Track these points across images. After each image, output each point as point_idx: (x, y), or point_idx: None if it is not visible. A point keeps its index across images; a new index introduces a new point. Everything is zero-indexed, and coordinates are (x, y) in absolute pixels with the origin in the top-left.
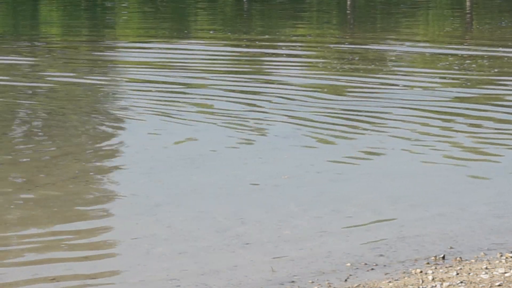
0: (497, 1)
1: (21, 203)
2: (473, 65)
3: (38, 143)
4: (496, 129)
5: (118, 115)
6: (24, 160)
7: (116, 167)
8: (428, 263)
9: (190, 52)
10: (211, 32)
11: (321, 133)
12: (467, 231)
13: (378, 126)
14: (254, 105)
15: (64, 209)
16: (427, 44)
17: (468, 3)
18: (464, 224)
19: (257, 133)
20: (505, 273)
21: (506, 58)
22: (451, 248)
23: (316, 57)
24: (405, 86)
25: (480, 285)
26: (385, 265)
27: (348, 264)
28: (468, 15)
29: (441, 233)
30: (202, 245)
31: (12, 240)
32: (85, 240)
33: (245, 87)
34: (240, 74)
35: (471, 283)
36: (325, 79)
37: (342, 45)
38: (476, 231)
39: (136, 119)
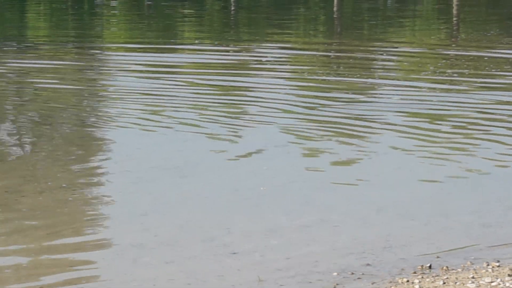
0: (483, 9)
1: (7, 212)
2: (460, 71)
3: (24, 151)
4: (482, 137)
5: (106, 123)
6: (11, 168)
7: (103, 176)
8: (414, 272)
9: (177, 60)
10: (196, 41)
11: (308, 142)
12: (453, 240)
13: (365, 135)
14: (241, 114)
15: (51, 218)
16: (414, 50)
17: (454, 12)
18: (450, 233)
19: (244, 142)
20: (491, 282)
21: (492, 65)
22: (437, 257)
23: (303, 65)
24: (391, 94)
25: None
26: (372, 275)
27: (335, 273)
28: (455, 23)
29: (427, 242)
30: (189, 255)
31: None
32: (71, 248)
33: (231, 96)
34: (227, 82)
35: None
36: (312, 87)
37: (329, 53)
38: (462, 240)
39: (123, 127)
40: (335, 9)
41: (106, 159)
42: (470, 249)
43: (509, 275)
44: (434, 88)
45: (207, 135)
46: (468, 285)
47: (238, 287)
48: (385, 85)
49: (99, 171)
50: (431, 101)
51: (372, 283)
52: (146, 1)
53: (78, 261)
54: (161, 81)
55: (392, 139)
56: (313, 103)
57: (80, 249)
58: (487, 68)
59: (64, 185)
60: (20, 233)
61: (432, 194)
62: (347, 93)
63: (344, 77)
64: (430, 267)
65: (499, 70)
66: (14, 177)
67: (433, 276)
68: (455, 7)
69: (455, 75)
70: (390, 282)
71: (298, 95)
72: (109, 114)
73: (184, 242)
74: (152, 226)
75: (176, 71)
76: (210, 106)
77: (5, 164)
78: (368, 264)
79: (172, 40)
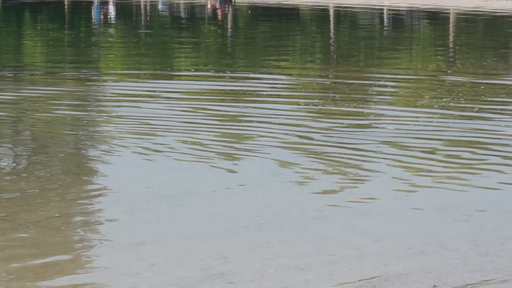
0: (479, 37)
1: (3, 241)
2: (457, 99)
3: (20, 180)
4: (478, 166)
5: (102, 151)
6: (6, 197)
7: (99, 205)
8: None
9: (174, 88)
10: (192, 70)
11: (304, 171)
12: (450, 269)
13: (361, 164)
14: (237, 142)
15: (46, 246)
16: (411, 78)
17: (451, 40)
18: (447, 262)
19: (240, 171)
20: None
21: (488, 94)
22: (434, 286)
23: (300, 93)
24: (388, 122)
25: None
26: None
27: None
28: (451, 51)
29: (424, 271)
30: (186, 284)
31: None
32: (67, 278)
33: (228, 124)
34: (223, 110)
35: None
36: (308, 116)
37: (326, 81)
38: (459, 269)
39: (119, 155)
40: (331, 36)
41: (102, 188)
42: (466, 277)
43: None
44: (430, 116)
45: (204, 164)
46: None
47: None
48: (382, 113)
49: (95, 199)
50: (428, 129)
51: None
52: (142, 29)
53: None
54: (157, 109)
55: (388, 168)
56: (310, 132)
57: (77, 278)
58: (483, 96)
59: (60, 214)
60: (16, 261)
61: (428, 223)
62: (343, 121)
63: (341, 105)
64: None
65: (495, 97)
66: (10, 205)
67: None
68: (451, 35)
69: (451, 103)
70: None
71: (294, 124)
72: (106, 142)
73: (180, 271)
74: (149, 255)
75: (172, 99)
76: (206, 134)
77: (1, 192)
78: None
79: (169, 68)
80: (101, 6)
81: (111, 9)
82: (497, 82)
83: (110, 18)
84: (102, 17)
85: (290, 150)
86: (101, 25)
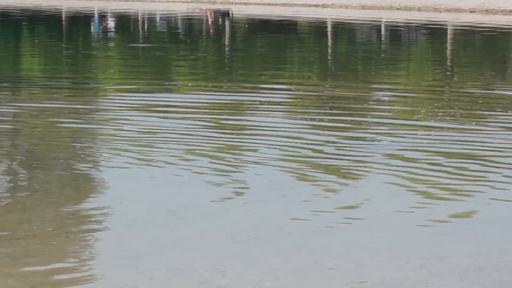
0: (477, 52)
1: (2, 256)
2: (455, 112)
3: (17, 194)
4: (478, 180)
5: (99, 165)
6: (4, 211)
7: (97, 219)
8: None
9: (172, 101)
10: (189, 84)
11: (302, 184)
12: (448, 283)
13: (359, 177)
14: (236, 156)
15: (44, 261)
16: (408, 90)
17: (449, 54)
18: (445, 276)
19: (239, 184)
20: None
21: (487, 106)
22: None
23: (297, 106)
24: (386, 135)
25: None
26: None
27: None
28: (449, 65)
29: (422, 284)
30: None
31: None
32: None
33: (226, 137)
34: (222, 123)
35: None
36: (306, 128)
37: (323, 94)
38: (457, 283)
39: (117, 169)
40: (329, 50)
41: (99, 202)
42: None
43: None
44: (429, 129)
45: (202, 178)
46: None
47: None
48: (380, 126)
49: (93, 213)
50: (427, 142)
51: None
52: (140, 43)
53: None
54: (156, 123)
55: (387, 181)
56: (307, 144)
57: None
58: (482, 109)
59: (57, 228)
60: (13, 277)
61: (427, 237)
62: (342, 134)
63: (339, 118)
64: None
65: (493, 110)
66: (7, 220)
67: None
68: (449, 49)
69: (449, 116)
70: None
71: (292, 137)
72: (103, 156)
73: (178, 285)
74: (147, 269)
75: (171, 112)
76: (205, 148)
77: (0, 207)
78: None
79: (167, 81)
80: (102, 19)
81: (111, 23)
82: (496, 93)
83: (110, 31)
84: (101, 31)
85: (289, 163)
86: (100, 38)
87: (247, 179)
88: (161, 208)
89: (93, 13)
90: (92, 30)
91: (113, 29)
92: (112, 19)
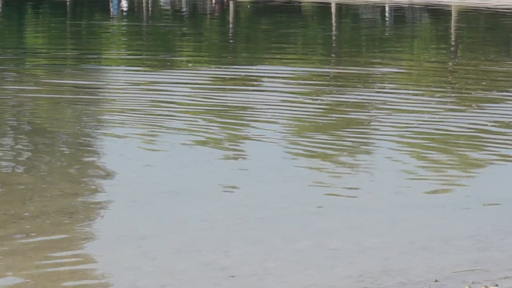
0: (481, 33)
1: (5, 235)
2: (459, 93)
3: (22, 174)
4: (480, 162)
5: (103, 145)
6: (9, 191)
7: (101, 200)
8: None
9: (176, 80)
10: (190, 64)
11: (304, 167)
12: (451, 264)
13: (362, 158)
14: (239, 137)
15: (48, 241)
16: (412, 70)
17: (453, 35)
18: (448, 257)
19: (241, 166)
20: None
21: (491, 85)
22: (436, 281)
23: (301, 86)
24: (390, 115)
25: None
26: None
27: None
28: (453, 46)
29: (425, 266)
30: (187, 278)
31: None
32: (69, 271)
33: (229, 120)
34: (225, 107)
35: None
36: (309, 112)
37: (327, 73)
38: (460, 263)
39: (121, 151)
40: (333, 29)
41: (103, 183)
42: (468, 272)
43: None
44: (433, 110)
45: (205, 159)
46: None
47: None
48: (383, 106)
49: (97, 194)
50: (430, 125)
51: None
52: (144, 22)
53: (75, 285)
54: (160, 102)
55: (390, 163)
56: (311, 129)
57: (77, 272)
58: (486, 90)
59: (61, 208)
60: (18, 256)
61: (429, 219)
62: (345, 115)
63: (342, 104)
64: None
65: (497, 90)
66: (13, 200)
67: None
68: (453, 30)
69: (454, 96)
70: None
71: (296, 121)
72: (107, 137)
73: (182, 266)
74: (150, 250)
75: (175, 92)
76: (208, 128)
77: (3, 187)
78: None
79: (171, 59)
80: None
81: (124, 4)
82: (499, 69)
83: (124, 12)
84: (120, 10)
85: (292, 144)
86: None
87: (250, 161)
88: (164, 189)
89: None
90: (111, 11)
91: (126, 9)
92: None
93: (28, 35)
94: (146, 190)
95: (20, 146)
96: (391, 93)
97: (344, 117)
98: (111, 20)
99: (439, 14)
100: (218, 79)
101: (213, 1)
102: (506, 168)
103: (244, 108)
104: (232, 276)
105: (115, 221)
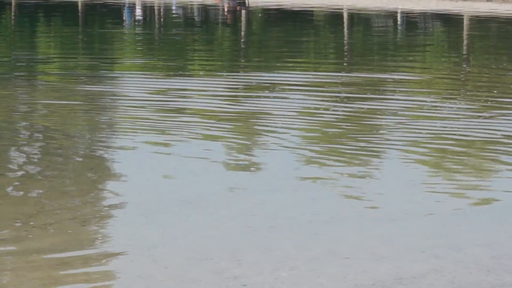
0: (493, 41)
1: (17, 243)
2: (472, 102)
3: (34, 183)
4: (491, 169)
5: (116, 154)
6: (21, 199)
7: (113, 208)
8: None
9: (188, 88)
10: (202, 73)
11: (317, 174)
12: (464, 272)
13: (373, 166)
14: (252, 145)
15: (60, 250)
16: (424, 79)
17: (465, 43)
18: (460, 265)
19: (254, 174)
20: None
21: (503, 94)
22: None
23: (313, 94)
24: (401, 124)
25: None
26: None
27: None
28: (465, 54)
29: (438, 274)
30: (199, 287)
31: (9, 282)
32: (81, 280)
33: (242, 128)
34: (237, 114)
35: None
36: (322, 119)
37: (339, 82)
38: (473, 272)
39: (133, 159)
40: (345, 36)
41: (116, 191)
42: (481, 280)
43: None
44: (444, 118)
45: (218, 167)
46: None
47: None
48: (396, 113)
49: (109, 202)
50: (443, 131)
51: None
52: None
53: None
54: (172, 110)
55: (400, 171)
56: (323, 137)
57: (90, 281)
58: (498, 97)
59: (72, 217)
60: (30, 264)
61: (441, 227)
62: (357, 122)
63: (355, 105)
64: None
65: (510, 98)
66: (25, 208)
67: None
68: (465, 38)
69: (466, 104)
70: None
71: (308, 130)
72: (119, 145)
73: (194, 274)
74: (162, 258)
75: (187, 100)
76: (220, 136)
77: (15, 195)
78: None
79: (182, 69)
80: (131, 9)
81: (138, 12)
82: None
83: (137, 20)
84: (132, 19)
85: (304, 151)
86: (132, 27)
87: (262, 170)
88: (177, 197)
89: (120, 4)
90: (124, 20)
91: (141, 18)
92: (140, 8)
93: (40, 42)
94: (158, 198)
95: (32, 153)
96: (404, 100)
97: (356, 125)
98: (123, 28)
99: (451, 22)
100: (230, 87)
101: (225, 10)
102: None
103: (256, 116)
104: (245, 285)
105: (127, 230)
